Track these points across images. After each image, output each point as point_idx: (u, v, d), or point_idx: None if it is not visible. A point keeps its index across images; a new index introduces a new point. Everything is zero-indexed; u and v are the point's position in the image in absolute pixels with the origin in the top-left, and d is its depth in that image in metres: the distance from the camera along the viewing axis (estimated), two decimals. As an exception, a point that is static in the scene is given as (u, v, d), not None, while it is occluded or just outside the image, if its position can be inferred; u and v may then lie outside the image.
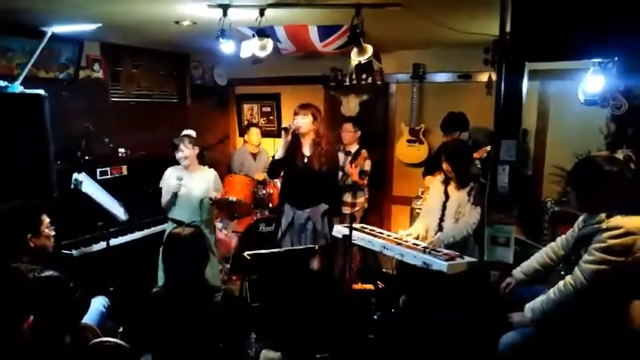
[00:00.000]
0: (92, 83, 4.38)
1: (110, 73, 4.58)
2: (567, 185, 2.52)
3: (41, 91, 3.07)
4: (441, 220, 3.35)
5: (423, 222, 3.54)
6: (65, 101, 4.06)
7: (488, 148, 3.60)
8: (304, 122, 3.51)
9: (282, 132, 3.51)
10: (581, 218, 2.35)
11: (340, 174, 4.27)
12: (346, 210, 4.36)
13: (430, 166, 4.40)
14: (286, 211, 3.67)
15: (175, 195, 3.62)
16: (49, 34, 3.33)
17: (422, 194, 4.44)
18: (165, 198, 3.66)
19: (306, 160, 3.54)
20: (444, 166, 3.32)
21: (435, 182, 3.51)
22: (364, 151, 4.47)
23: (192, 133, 3.74)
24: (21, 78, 3.21)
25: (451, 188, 3.34)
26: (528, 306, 2.29)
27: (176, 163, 3.68)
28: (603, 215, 2.14)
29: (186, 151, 3.56)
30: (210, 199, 3.62)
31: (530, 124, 4.27)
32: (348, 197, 4.41)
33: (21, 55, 3.66)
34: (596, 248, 2.12)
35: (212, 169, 3.75)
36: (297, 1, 2.77)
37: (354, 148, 4.51)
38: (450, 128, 4.09)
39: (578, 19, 2.35)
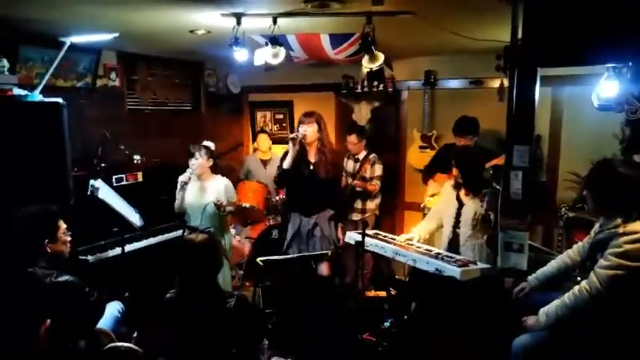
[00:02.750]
0: (109, 91, 4.45)
1: (126, 81, 4.65)
2: (584, 189, 2.50)
3: (60, 100, 3.12)
4: (455, 227, 3.33)
5: (426, 226, 3.52)
6: (83, 109, 4.14)
7: (500, 158, 3.59)
8: (310, 131, 3.54)
9: (290, 142, 3.54)
10: (597, 224, 2.33)
11: (350, 180, 4.28)
12: (356, 216, 4.35)
13: (430, 169, 4.38)
14: (292, 219, 3.69)
15: (182, 199, 3.62)
16: (67, 44, 3.39)
17: (427, 201, 4.37)
18: (176, 203, 3.69)
19: (312, 168, 3.57)
20: (454, 172, 3.31)
21: (447, 187, 3.49)
22: (372, 156, 4.43)
23: (212, 145, 3.74)
24: (40, 87, 3.27)
25: (463, 194, 3.32)
26: (542, 310, 2.28)
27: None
28: (620, 220, 2.12)
29: (200, 160, 3.57)
30: (215, 204, 3.50)
31: (544, 130, 4.23)
32: (358, 203, 4.39)
33: (40, 65, 3.74)
34: (612, 253, 2.10)
35: (225, 178, 3.73)
36: (309, 10, 2.79)
37: (362, 154, 4.52)
38: (464, 131, 4.07)
39: (591, 24, 2.34)
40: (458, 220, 3.31)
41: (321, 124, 3.59)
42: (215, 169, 3.78)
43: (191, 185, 3.63)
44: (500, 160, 3.73)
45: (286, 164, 3.59)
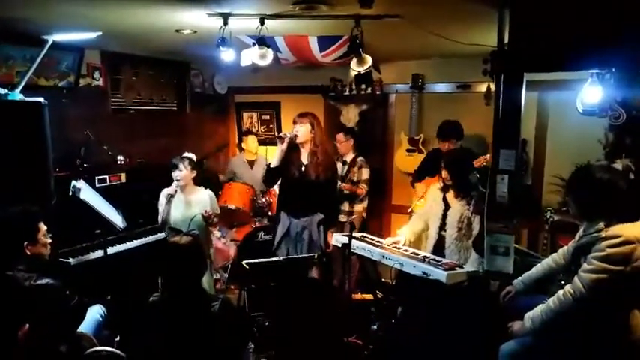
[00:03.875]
0: (92, 91, 4.38)
1: (110, 81, 4.59)
2: (566, 194, 2.52)
3: (41, 99, 3.07)
4: (441, 229, 3.34)
5: (413, 227, 3.53)
6: (65, 109, 4.07)
7: (487, 157, 3.63)
8: (302, 131, 3.52)
9: (277, 140, 3.53)
10: (581, 228, 2.35)
11: (339, 183, 4.28)
12: (343, 218, 4.36)
13: (420, 173, 4.40)
14: (282, 220, 3.67)
15: (168, 212, 3.54)
16: (49, 43, 3.33)
17: (414, 205, 4.38)
18: (160, 216, 3.61)
19: (302, 169, 3.55)
20: (443, 174, 3.31)
21: (433, 190, 3.50)
22: (359, 160, 4.47)
23: (193, 156, 3.69)
24: (21, 86, 3.21)
25: (450, 197, 3.33)
26: (528, 315, 2.28)
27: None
28: (602, 224, 2.14)
29: (184, 172, 3.51)
30: (203, 215, 3.48)
31: (529, 134, 4.27)
32: (345, 206, 4.43)
33: (22, 64, 3.67)
34: (595, 257, 2.12)
35: (207, 190, 3.69)
36: (296, 12, 2.78)
37: (349, 157, 4.54)
38: (447, 135, 4.11)
39: (576, 30, 2.36)
40: (444, 222, 3.32)
41: (315, 125, 3.57)
42: (200, 173, 3.73)
43: (176, 199, 3.56)
44: (485, 159, 3.78)
45: (273, 163, 3.58)
